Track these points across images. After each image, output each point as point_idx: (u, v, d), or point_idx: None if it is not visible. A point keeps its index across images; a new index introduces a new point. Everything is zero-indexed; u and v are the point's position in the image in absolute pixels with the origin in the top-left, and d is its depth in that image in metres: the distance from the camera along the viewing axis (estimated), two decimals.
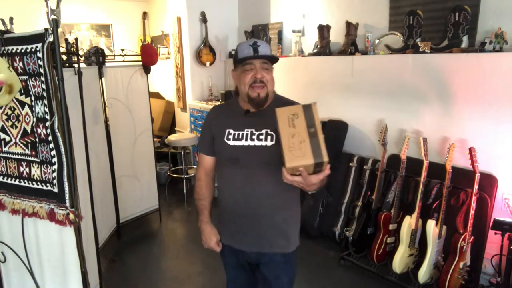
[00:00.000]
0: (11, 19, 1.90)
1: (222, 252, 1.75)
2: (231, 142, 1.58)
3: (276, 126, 1.33)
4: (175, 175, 4.70)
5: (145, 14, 6.47)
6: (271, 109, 1.42)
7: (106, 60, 3.24)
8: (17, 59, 1.66)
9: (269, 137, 1.54)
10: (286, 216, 1.64)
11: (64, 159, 1.66)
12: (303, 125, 1.31)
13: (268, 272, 1.66)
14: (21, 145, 1.77)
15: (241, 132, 1.57)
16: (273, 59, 1.55)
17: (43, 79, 1.62)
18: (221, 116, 1.68)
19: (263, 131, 1.55)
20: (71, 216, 1.69)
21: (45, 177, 1.74)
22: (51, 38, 1.56)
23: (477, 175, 2.37)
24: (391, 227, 2.78)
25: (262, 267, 1.67)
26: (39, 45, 1.59)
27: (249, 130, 1.57)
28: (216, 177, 1.77)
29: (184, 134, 4.79)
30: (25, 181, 1.80)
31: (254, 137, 1.55)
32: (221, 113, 1.72)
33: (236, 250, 1.69)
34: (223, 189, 1.68)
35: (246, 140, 1.56)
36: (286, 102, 1.61)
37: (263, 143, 1.54)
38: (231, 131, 1.59)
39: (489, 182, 2.49)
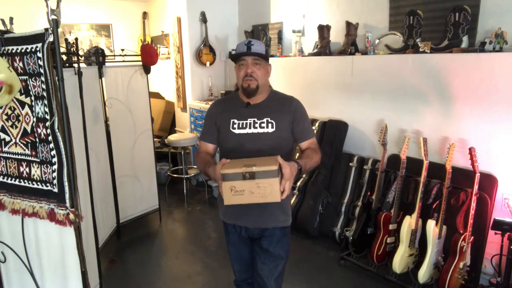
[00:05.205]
0: (11, 19, 1.90)
1: (226, 230, 1.96)
2: (236, 131, 1.76)
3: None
4: (175, 175, 4.70)
5: (145, 14, 6.47)
6: (269, 101, 1.79)
7: (106, 60, 3.23)
8: (17, 59, 1.66)
9: (269, 125, 1.73)
10: None
11: (64, 159, 1.66)
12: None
13: (269, 244, 1.84)
14: (21, 145, 1.78)
15: (244, 122, 1.76)
16: (263, 56, 1.72)
17: (43, 79, 1.62)
18: (224, 109, 1.85)
19: (264, 120, 1.75)
20: (71, 216, 1.70)
21: (45, 177, 1.74)
22: (51, 38, 1.56)
23: (477, 175, 2.37)
24: (391, 227, 2.78)
25: (264, 239, 1.85)
26: (39, 45, 1.59)
27: (252, 119, 1.75)
28: None
29: (184, 134, 4.79)
30: (25, 181, 1.80)
31: (257, 125, 1.74)
32: (224, 107, 1.88)
33: (240, 227, 1.87)
34: None
35: (250, 128, 1.75)
36: (281, 97, 1.85)
37: (265, 130, 1.74)
38: (235, 121, 1.77)
39: (489, 182, 2.49)
